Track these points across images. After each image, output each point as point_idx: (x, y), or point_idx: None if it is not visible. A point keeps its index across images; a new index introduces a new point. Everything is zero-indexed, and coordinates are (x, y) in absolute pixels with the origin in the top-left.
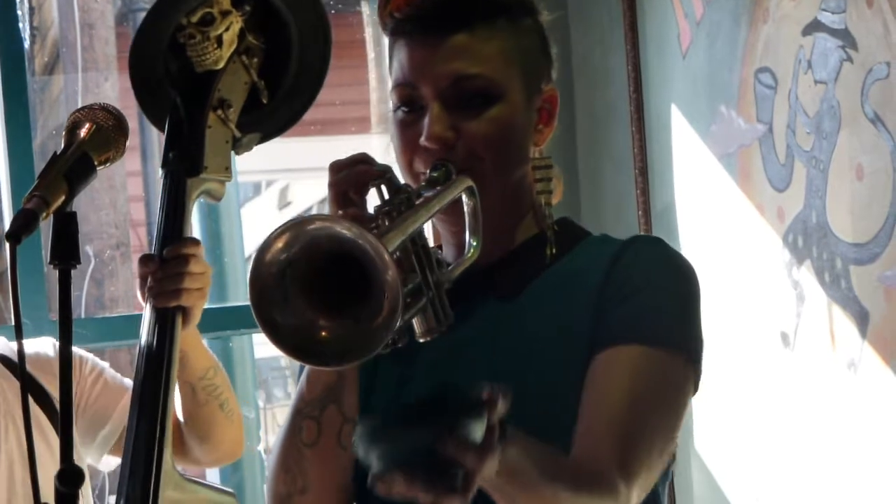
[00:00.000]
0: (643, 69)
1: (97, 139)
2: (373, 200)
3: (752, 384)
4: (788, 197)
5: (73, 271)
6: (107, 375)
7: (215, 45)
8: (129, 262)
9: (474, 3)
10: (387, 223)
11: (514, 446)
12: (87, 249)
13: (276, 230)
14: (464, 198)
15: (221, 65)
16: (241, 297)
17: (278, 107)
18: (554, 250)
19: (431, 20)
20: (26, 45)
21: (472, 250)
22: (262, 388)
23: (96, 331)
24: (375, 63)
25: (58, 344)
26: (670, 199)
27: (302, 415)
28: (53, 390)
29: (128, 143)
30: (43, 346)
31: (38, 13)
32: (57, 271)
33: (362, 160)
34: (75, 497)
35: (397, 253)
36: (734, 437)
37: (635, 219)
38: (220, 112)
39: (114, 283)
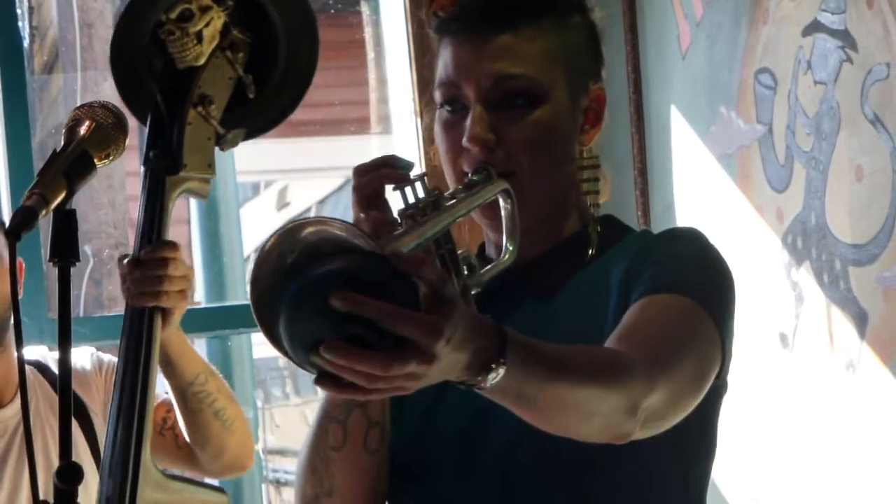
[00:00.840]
0: (643, 70)
1: (97, 137)
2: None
3: (751, 384)
4: (788, 198)
5: (71, 270)
6: None
7: (195, 42)
8: None
9: (518, 3)
10: (409, 225)
11: (516, 343)
12: (86, 249)
13: (272, 234)
14: (500, 200)
15: (202, 61)
16: (239, 296)
17: (266, 103)
18: (594, 250)
19: (475, 20)
20: (25, 43)
21: (507, 254)
22: (261, 388)
23: (94, 329)
24: (375, 63)
25: (96, 353)
26: (670, 200)
27: (329, 418)
28: (92, 403)
29: (127, 142)
30: (81, 358)
31: (38, 12)
32: (56, 270)
33: (387, 163)
34: (74, 494)
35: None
36: (732, 436)
37: (635, 219)
38: (201, 109)
39: (112, 282)
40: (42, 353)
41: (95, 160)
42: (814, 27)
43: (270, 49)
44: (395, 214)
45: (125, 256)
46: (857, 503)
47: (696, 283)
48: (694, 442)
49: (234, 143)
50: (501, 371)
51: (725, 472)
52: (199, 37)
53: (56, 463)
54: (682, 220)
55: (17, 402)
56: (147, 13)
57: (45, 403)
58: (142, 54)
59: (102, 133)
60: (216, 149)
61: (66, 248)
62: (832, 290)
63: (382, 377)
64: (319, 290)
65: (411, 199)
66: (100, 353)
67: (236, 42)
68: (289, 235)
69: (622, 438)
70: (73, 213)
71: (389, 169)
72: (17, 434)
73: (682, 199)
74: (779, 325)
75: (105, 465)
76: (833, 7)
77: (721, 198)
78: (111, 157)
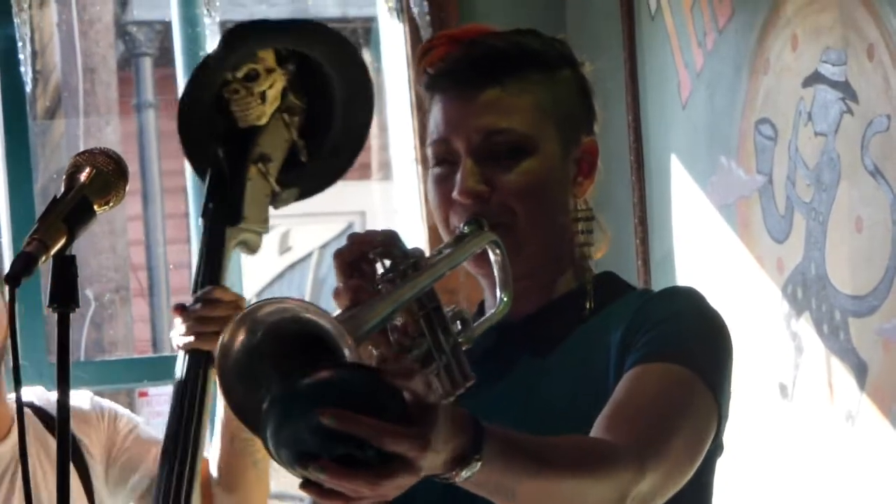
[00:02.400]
0: (643, 119)
1: (97, 183)
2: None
3: (750, 435)
4: (788, 248)
5: (72, 314)
6: (140, 428)
7: (259, 101)
8: (129, 305)
9: (505, 58)
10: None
11: (494, 438)
12: (87, 293)
13: (232, 322)
14: (490, 252)
15: (264, 121)
16: None
17: (319, 165)
18: (591, 305)
19: (463, 76)
20: (28, 88)
21: (502, 305)
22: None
23: (95, 374)
24: (376, 109)
25: (94, 397)
26: (669, 249)
27: None
28: (90, 445)
29: (128, 188)
30: (80, 400)
31: (41, 57)
32: (56, 314)
33: (372, 232)
34: None
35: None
36: (732, 487)
37: (634, 268)
38: (260, 166)
39: (113, 326)
40: (38, 393)
41: (95, 206)
42: (814, 78)
43: (324, 115)
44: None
45: (181, 305)
46: None
47: (691, 349)
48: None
49: (288, 202)
50: (476, 466)
51: None
52: (262, 97)
53: (45, 502)
54: (682, 269)
55: (10, 440)
56: (217, 70)
57: (36, 443)
58: (207, 111)
59: (103, 180)
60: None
61: (65, 295)
62: (832, 340)
63: (370, 493)
64: (307, 404)
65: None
66: (98, 398)
67: (292, 106)
68: (250, 316)
69: None
70: (72, 259)
71: (370, 237)
72: (8, 472)
73: (681, 248)
74: (778, 375)
75: None
76: (834, 58)
77: (721, 248)
78: (111, 204)
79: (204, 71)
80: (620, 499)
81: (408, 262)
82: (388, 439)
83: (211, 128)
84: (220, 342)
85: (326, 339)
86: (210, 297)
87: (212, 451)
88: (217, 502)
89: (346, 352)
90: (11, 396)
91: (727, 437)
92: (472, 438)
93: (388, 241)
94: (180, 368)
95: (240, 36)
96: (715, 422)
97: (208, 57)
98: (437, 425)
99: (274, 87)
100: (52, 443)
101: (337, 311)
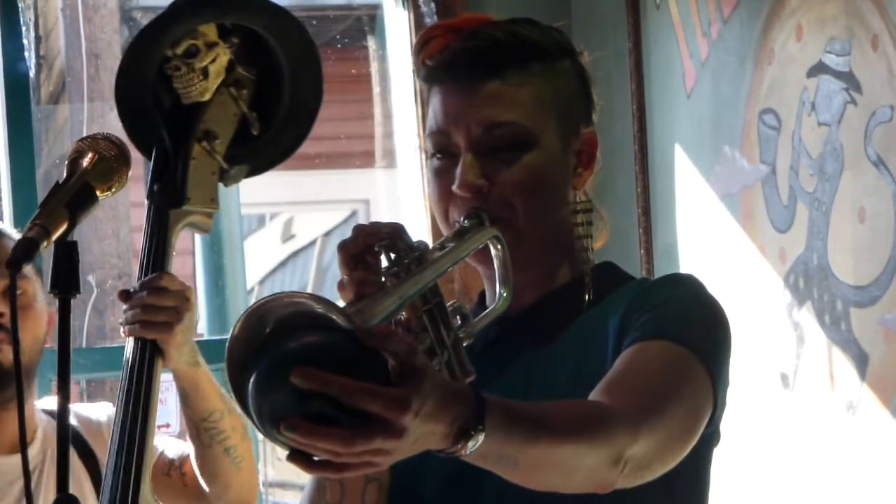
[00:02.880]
0: (648, 108)
1: (99, 169)
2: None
3: (752, 424)
4: (790, 238)
5: (74, 301)
6: None
7: (201, 77)
8: None
9: (506, 50)
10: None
11: (495, 408)
12: (90, 279)
13: (245, 311)
14: (491, 247)
15: (208, 96)
16: None
17: (270, 140)
18: (590, 296)
19: (463, 68)
20: (32, 73)
21: (501, 300)
22: None
23: (97, 361)
24: (381, 98)
25: (112, 411)
26: (673, 239)
27: None
28: (103, 457)
29: (131, 174)
30: (98, 412)
31: (45, 42)
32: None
33: (376, 224)
34: None
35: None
36: (732, 476)
37: (637, 257)
38: (205, 143)
39: (115, 313)
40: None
41: (98, 192)
42: (818, 69)
43: (275, 87)
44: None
45: (126, 291)
46: None
47: (689, 329)
48: (685, 491)
49: (238, 179)
50: (481, 437)
51: None
52: (204, 72)
53: None
54: (685, 258)
55: (36, 445)
56: (153, 48)
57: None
58: (147, 89)
59: (105, 165)
60: (232, 184)
61: (66, 280)
62: (833, 330)
63: (347, 453)
64: (283, 367)
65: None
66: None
67: (241, 79)
68: (260, 310)
69: (605, 488)
70: (74, 244)
71: (374, 229)
72: (36, 474)
73: (684, 237)
74: (780, 364)
75: (105, 499)
76: (838, 49)
77: (724, 237)
78: (114, 189)
79: (138, 47)
80: (616, 460)
81: (412, 256)
82: (362, 397)
83: (154, 105)
84: (230, 335)
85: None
86: (156, 286)
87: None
88: (205, 498)
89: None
90: (37, 403)
91: (728, 426)
92: (472, 409)
93: (393, 234)
94: (127, 358)
95: (174, 12)
96: (710, 404)
97: (141, 32)
98: (420, 388)
99: (217, 61)
100: (71, 453)
101: (341, 304)
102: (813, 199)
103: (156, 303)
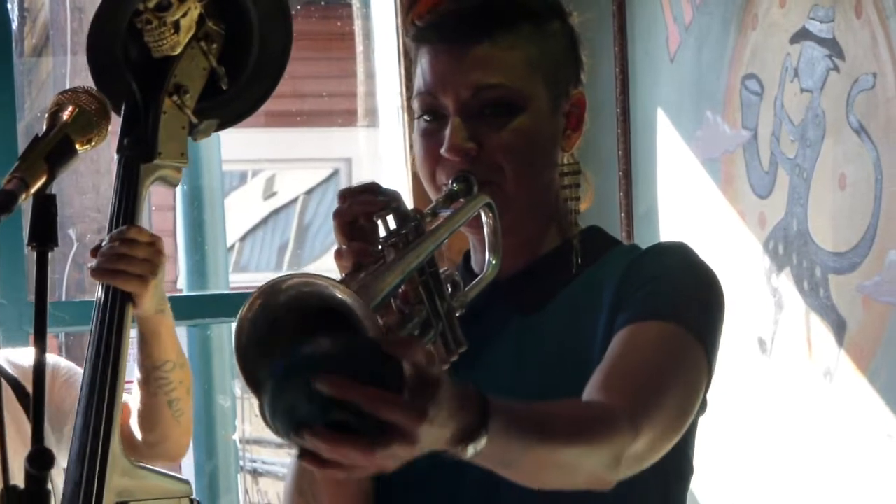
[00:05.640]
0: (630, 71)
1: (80, 122)
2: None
3: (729, 389)
4: (770, 204)
5: (55, 254)
6: (77, 378)
7: (172, 31)
8: None
9: (495, 11)
10: (392, 256)
11: (498, 412)
12: (70, 233)
13: (253, 294)
14: (482, 215)
15: (178, 50)
16: (221, 285)
17: (238, 93)
18: (579, 261)
19: (452, 29)
20: (14, 26)
21: (490, 268)
22: (239, 378)
23: (76, 314)
24: (364, 56)
25: (55, 358)
26: (653, 203)
27: None
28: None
29: (111, 127)
30: (26, 357)
31: None
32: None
33: (370, 189)
34: (44, 479)
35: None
36: (708, 440)
37: (617, 221)
38: (175, 98)
39: None
40: (9, 358)
41: (77, 145)
42: (802, 35)
43: (244, 42)
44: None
45: (98, 247)
46: None
47: (684, 306)
48: (673, 462)
49: (207, 133)
50: (482, 441)
51: (701, 476)
52: (175, 26)
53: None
54: (665, 223)
55: None
56: (125, 2)
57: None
58: (118, 43)
59: (85, 118)
60: (202, 139)
61: (44, 233)
62: (812, 297)
63: (364, 461)
64: (305, 373)
65: (392, 225)
66: (59, 359)
67: (210, 33)
68: (274, 289)
69: (606, 486)
70: (52, 197)
71: (371, 195)
72: None
73: (665, 201)
74: (758, 330)
75: (74, 451)
76: (821, 15)
77: (704, 202)
78: (94, 143)
79: (111, 1)
80: (615, 461)
81: (409, 226)
82: (383, 407)
83: (124, 59)
84: (239, 314)
85: (349, 315)
86: (126, 237)
87: (132, 393)
88: (138, 444)
89: (370, 328)
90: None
91: None
92: (478, 414)
93: (391, 203)
94: (96, 310)
95: None
96: (706, 380)
97: None
98: (437, 399)
99: (188, 15)
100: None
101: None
102: (794, 165)
103: (128, 253)
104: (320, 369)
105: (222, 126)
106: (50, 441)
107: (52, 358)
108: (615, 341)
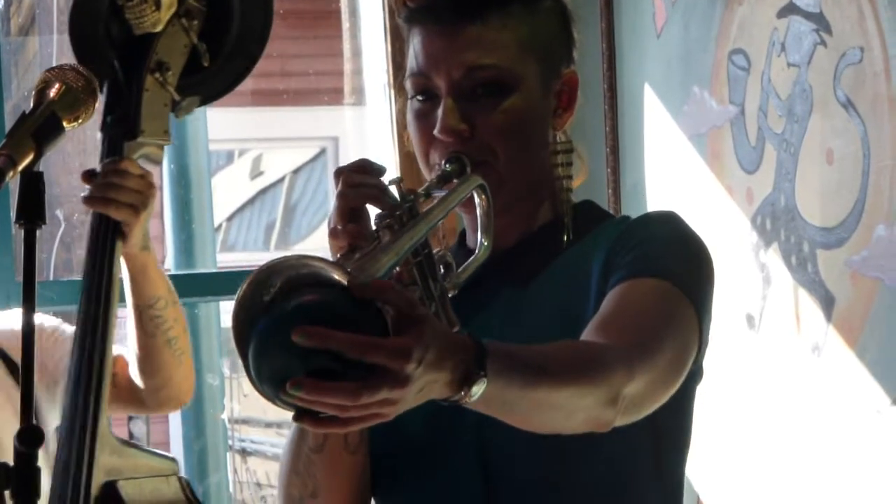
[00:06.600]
0: (617, 47)
1: (66, 100)
2: None
3: (717, 365)
4: (758, 179)
5: (42, 234)
6: (66, 335)
7: (153, 8)
8: None
9: None
10: (387, 238)
11: (495, 353)
12: (57, 213)
13: (250, 275)
14: (475, 196)
15: (160, 27)
16: (208, 264)
17: (219, 69)
18: (570, 236)
19: (445, 10)
20: (1, 5)
21: (482, 249)
22: (228, 357)
23: (64, 293)
24: (350, 34)
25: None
26: (640, 178)
27: None
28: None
29: (98, 105)
30: (12, 321)
31: None
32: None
33: (364, 168)
34: (34, 456)
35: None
36: (697, 416)
37: (605, 196)
38: (158, 75)
39: (83, 246)
40: None
41: (64, 123)
42: (789, 9)
43: (225, 18)
44: (374, 223)
45: (90, 171)
46: (821, 485)
47: (675, 266)
48: (668, 420)
49: (189, 110)
50: (483, 384)
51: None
52: (157, 3)
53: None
54: (652, 198)
55: None
56: None
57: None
58: (99, 20)
59: (72, 96)
60: (187, 117)
61: (32, 211)
62: (800, 272)
63: (353, 407)
64: (282, 327)
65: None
66: (44, 318)
67: (191, 9)
68: (266, 272)
69: (604, 427)
70: (40, 175)
71: (367, 176)
72: None
73: (652, 177)
74: (746, 305)
75: (63, 429)
76: None
77: (691, 177)
78: (81, 120)
79: None
80: (613, 399)
81: (404, 208)
82: (363, 350)
83: (106, 36)
84: (237, 295)
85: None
86: (119, 168)
87: (128, 343)
88: (139, 397)
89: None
90: None
91: None
92: (473, 355)
93: (387, 190)
94: (89, 242)
95: None
96: (696, 338)
97: None
98: (422, 339)
99: None
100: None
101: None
102: (781, 140)
103: (120, 183)
104: (297, 323)
105: (204, 102)
106: (41, 402)
107: (37, 318)
108: (608, 297)
